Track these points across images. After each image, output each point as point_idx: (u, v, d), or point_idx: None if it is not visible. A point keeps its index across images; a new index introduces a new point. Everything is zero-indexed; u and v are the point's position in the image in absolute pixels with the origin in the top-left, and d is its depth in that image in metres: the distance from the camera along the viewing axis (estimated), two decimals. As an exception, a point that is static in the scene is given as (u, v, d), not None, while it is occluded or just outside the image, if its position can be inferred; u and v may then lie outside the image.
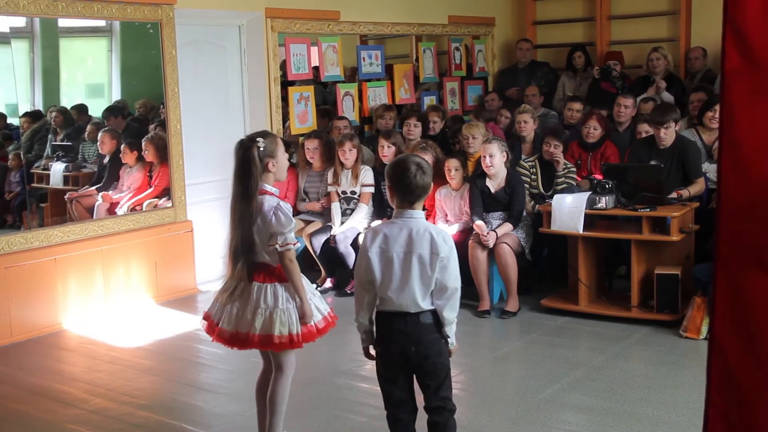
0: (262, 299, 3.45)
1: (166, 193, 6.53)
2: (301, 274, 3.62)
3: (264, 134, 3.51)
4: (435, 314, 3.08)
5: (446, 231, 3.18)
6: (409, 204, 3.08)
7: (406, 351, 3.07)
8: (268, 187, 3.46)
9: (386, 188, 3.18)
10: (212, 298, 3.65)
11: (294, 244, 3.42)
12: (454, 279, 3.06)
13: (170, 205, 6.51)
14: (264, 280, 3.48)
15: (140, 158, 6.50)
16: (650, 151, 5.88)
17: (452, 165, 6.12)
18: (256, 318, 3.43)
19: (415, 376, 3.16)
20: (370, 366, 5.05)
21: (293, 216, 6.93)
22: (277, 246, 3.38)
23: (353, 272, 6.34)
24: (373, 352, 3.22)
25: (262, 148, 3.43)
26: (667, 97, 7.60)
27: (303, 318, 3.45)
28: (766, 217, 1.72)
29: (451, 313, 3.09)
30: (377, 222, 6.43)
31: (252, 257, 3.46)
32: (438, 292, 3.06)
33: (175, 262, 6.48)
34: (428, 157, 6.00)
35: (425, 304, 3.05)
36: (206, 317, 3.62)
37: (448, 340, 3.12)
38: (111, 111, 6.49)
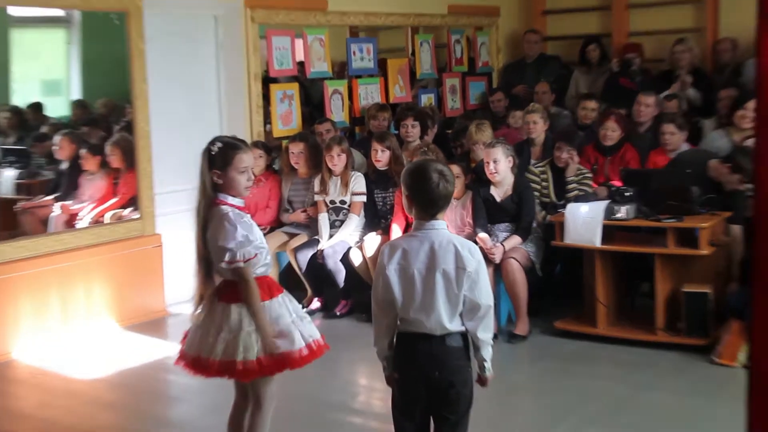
0: (225, 321, 3.40)
1: (132, 203, 6.48)
2: (286, 293, 3.55)
3: (228, 142, 3.45)
4: (464, 337, 3.08)
5: (472, 243, 3.14)
6: (430, 216, 3.07)
7: (429, 376, 3.05)
8: (230, 198, 3.42)
9: (404, 197, 3.13)
10: (184, 321, 3.61)
11: (247, 260, 3.34)
12: (486, 295, 3.05)
13: (137, 216, 6.45)
14: (229, 299, 3.43)
15: (103, 164, 6.44)
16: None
17: (453, 171, 6.05)
18: (218, 342, 3.38)
19: (432, 409, 3.12)
20: (364, 398, 5.00)
21: (277, 228, 6.89)
22: (223, 263, 3.34)
23: (344, 291, 6.42)
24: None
25: (213, 152, 3.38)
26: (693, 94, 7.57)
27: (264, 348, 3.38)
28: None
29: (486, 333, 3.08)
30: (372, 234, 6.37)
31: (212, 273, 3.47)
32: (469, 312, 3.04)
33: (142, 280, 6.41)
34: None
35: (453, 326, 3.04)
36: (184, 337, 3.61)
37: (485, 365, 3.12)
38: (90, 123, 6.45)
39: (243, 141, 3.61)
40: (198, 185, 3.43)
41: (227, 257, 3.33)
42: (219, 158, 3.41)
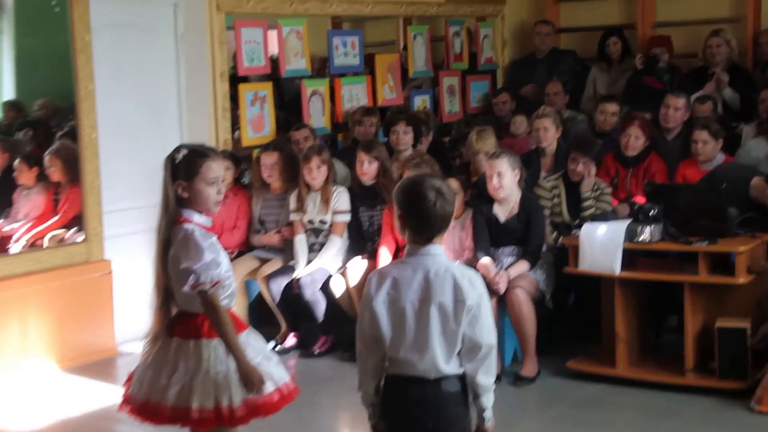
0: (181, 360, 3.42)
1: (76, 222, 6.49)
2: (251, 329, 3.58)
3: (195, 149, 3.50)
4: (461, 380, 3.10)
5: (474, 272, 3.19)
6: (425, 240, 3.10)
7: (422, 426, 3.07)
8: (190, 214, 3.45)
9: (396, 217, 3.17)
10: (138, 361, 3.64)
11: (214, 284, 3.37)
12: (488, 333, 3.08)
13: (82, 239, 6.46)
14: (186, 335, 3.46)
15: (42, 177, 6.44)
16: None
17: (451, 187, 6.09)
18: (171, 385, 3.40)
19: None
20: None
21: (246, 252, 6.90)
22: (187, 287, 3.35)
23: (324, 326, 6.43)
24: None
25: (177, 161, 3.42)
26: (730, 95, 7.63)
27: (248, 385, 3.39)
28: None
29: (487, 378, 3.10)
30: (356, 260, 6.40)
31: (170, 302, 3.50)
32: (468, 352, 3.07)
33: (87, 314, 6.41)
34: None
35: (449, 368, 3.07)
36: (128, 379, 3.64)
37: (485, 414, 3.14)
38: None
39: (212, 148, 3.67)
40: (159, 200, 3.47)
41: (191, 280, 3.35)
42: (184, 167, 3.45)
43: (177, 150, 3.49)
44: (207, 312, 3.41)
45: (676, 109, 7.06)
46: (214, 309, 3.39)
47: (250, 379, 3.41)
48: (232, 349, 3.41)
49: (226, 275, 3.45)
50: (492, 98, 8.74)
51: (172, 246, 3.44)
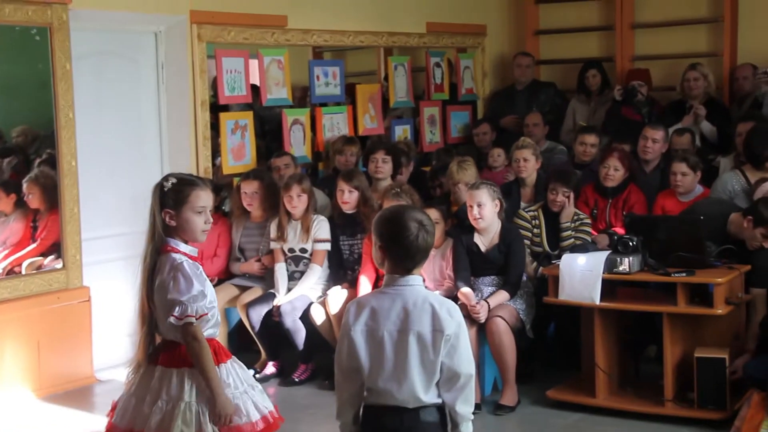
0: (164, 389, 3.44)
1: (54, 250, 6.45)
2: (235, 360, 3.59)
3: (183, 178, 3.53)
4: (440, 410, 3.12)
5: (452, 302, 3.22)
6: (405, 270, 3.13)
7: None
8: (176, 243, 3.46)
9: (375, 248, 3.18)
10: (116, 389, 3.65)
11: (200, 317, 3.39)
12: (466, 363, 3.11)
13: (60, 266, 6.43)
14: (169, 363, 3.47)
15: (20, 204, 6.41)
16: None
17: (432, 217, 6.12)
18: (154, 413, 3.41)
19: None
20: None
21: (226, 281, 6.90)
22: (172, 318, 3.37)
23: (304, 354, 6.42)
24: None
25: (166, 189, 3.42)
26: (708, 128, 7.71)
27: (217, 418, 3.39)
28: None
29: (466, 407, 3.12)
30: (336, 288, 6.41)
31: (154, 331, 3.51)
32: (447, 382, 3.09)
33: (65, 342, 6.37)
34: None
35: (428, 398, 3.08)
36: (113, 408, 3.64)
37: None
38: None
39: (201, 178, 3.70)
40: (146, 228, 3.50)
41: (177, 312, 3.38)
42: (172, 196, 3.47)
43: (166, 178, 3.52)
44: (188, 343, 3.43)
45: (654, 141, 7.12)
46: (197, 341, 3.41)
47: (224, 412, 3.41)
48: (210, 381, 3.42)
49: (210, 306, 3.47)
50: (472, 129, 8.78)
51: (158, 275, 3.45)
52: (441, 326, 3.06)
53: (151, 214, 3.48)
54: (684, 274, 5.38)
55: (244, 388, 3.54)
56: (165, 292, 3.40)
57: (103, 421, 3.73)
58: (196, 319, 3.40)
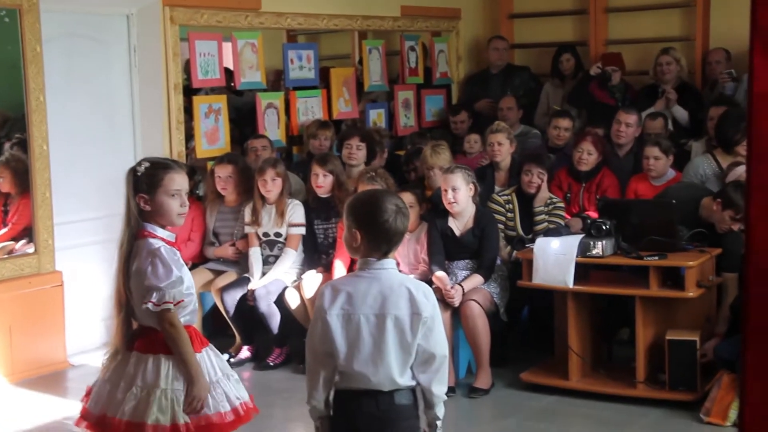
0: (139, 375, 3.43)
1: (26, 234, 6.42)
2: (211, 347, 3.59)
3: (157, 162, 3.53)
4: (413, 393, 3.16)
5: (426, 285, 3.25)
6: (382, 254, 3.14)
7: None
8: (153, 228, 3.46)
9: (348, 231, 3.17)
10: (90, 374, 3.64)
11: (177, 303, 3.40)
12: (441, 345, 3.15)
13: (32, 250, 6.40)
14: (145, 349, 3.47)
15: (-9, 188, 6.37)
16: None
17: (406, 201, 6.14)
18: (128, 399, 3.40)
19: None
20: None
21: (200, 265, 6.88)
22: (150, 305, 3.37)
23: (278, 338, 6.43)
24: None
25: (139, 173, 3.44)
26: (680, 112, 7.77)
27: (190, 405, 3.40)
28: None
29: (440, 387, 3.16)
30: (311, 272, 6.41)
31: (130, 316, 3.49)
32: (422, 364, 3.12)
33: (38, 327, 6.35)
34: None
35: (403, 380, 3.11)
36: (87, 393, 3.63)
37: (437, 424, 3.20)
38: None
39: (175, 161, 3.69)
40: (122, 213, 3.49)
41: (155, 298, 3.37)
42: (146, 180, 3.46)
43: (139, 163, 3.51)
44: (166, 329, 3.42)
45: (627, 125, 7.17)
46: (174, 327, 3.41)
47: (199, 396, 3.41)
48: (189, 366, 3.42)
49: (188, 292, 3.46)
50: (450, 116, 8.74)
51: (134, 260, 3.44)
52: (418, 309, 3.08)
53: (126, 199, 3.47)
54: (656, 258, 5.43)
55: (218, 377, 3.54)
56: (142, 278, 3.39)
57: (76, 406, 3.72)
58: (174, 305, 3.39)
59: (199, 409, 3.41)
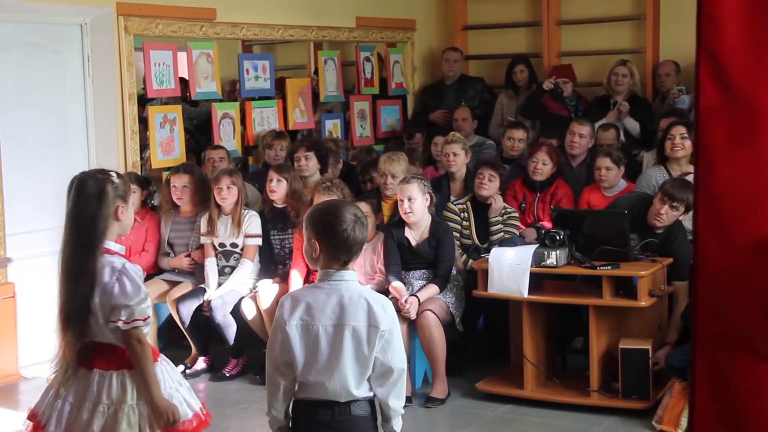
0: (104, 392, 3.40)
1: (-22, 245, 6.34)
2: (165, 359, 3.59)
3: (117, 173, 3.52)
4: (371, 404, 3.16)
5: (386, 298, 3.26)
6: (341, 264, 3.14)
7: None
8: (112, 245, 3.44)
9: (308, 242, 3.17)
10: (42, 387, 3.59)
11: (144, 320, 3.39)
12: (399, 358, 3.14)
13: (-16, 262, 6.32)
14: (108, 366, 3.44)
15: (-58, 199, 6.29)
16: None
17: (363, 210, 6.15)
18: (95, 418, 3.37)
19: None
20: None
21: (155, 275, 6.84)
22: (120, 323, 3.35)
23: (234, 349, 6.40)
24: None
25: (116, 185, 3.39)
26: (632, 123, 7.87)
27: (157, 420, 3.39)
28: (754, 289, 1.78)
29: (398, 401, 3.17)
30: (267, 282, 6.40)
31: (88, 333, 3.43)
32: (380, 377, 3.13)
33: (-11, 339, 6.26)
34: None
35: (360, 392, 3.12)
36: (31, 416, 3.57)
37: None
38: None
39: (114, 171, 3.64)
40: (72, 224, 3.42)
41: (124, 316, 3.35)
42: (122, 189, 3.45)
43: (109, 175, 3.44)
44: (132, 346, 3.39)
45: (581, 136, 7.25)
46: (141, 344, 3.39)
47: (165, 413, 3.40)
48: (150, 385, 3.41)
49: (147, 306, 3.46)
50: (405, 138, 8.64)
51: (89, 277, 3.37)
52: (376, 322, 3.09)
53: (94, 209, 3.37)
54: (609, 268, 5.49)
55: (175, 386, 3.53)
56: (108, 297, 3.36)
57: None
58: (143, 322, 3.38)
59: (174, 422, 3.40)
